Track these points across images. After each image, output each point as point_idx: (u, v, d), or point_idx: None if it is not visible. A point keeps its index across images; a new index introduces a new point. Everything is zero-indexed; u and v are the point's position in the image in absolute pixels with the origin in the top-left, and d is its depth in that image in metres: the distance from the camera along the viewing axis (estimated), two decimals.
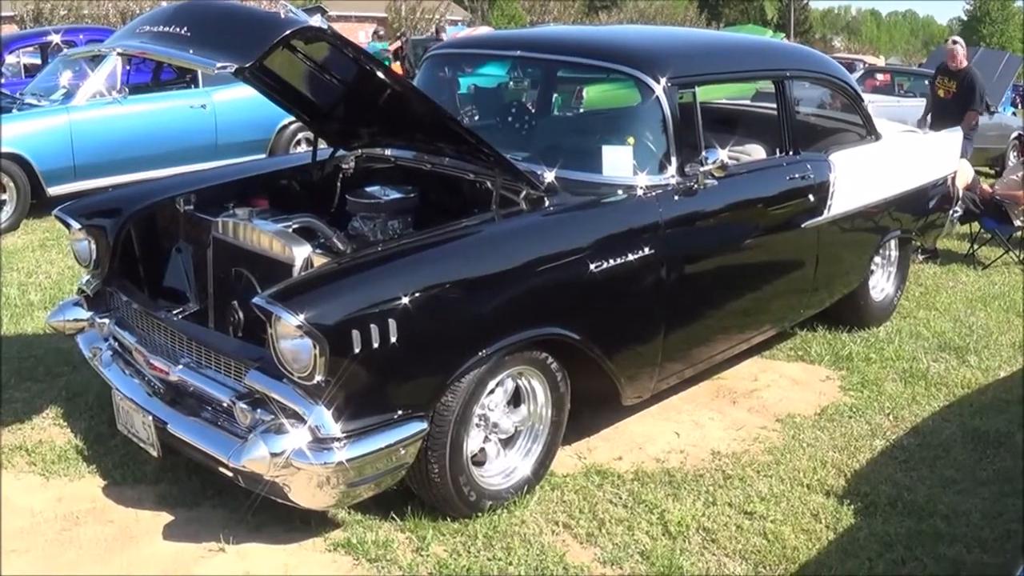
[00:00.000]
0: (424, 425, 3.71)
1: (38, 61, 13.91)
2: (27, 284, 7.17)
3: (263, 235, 4.23)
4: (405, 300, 3.55)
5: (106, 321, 4.60)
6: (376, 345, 3.47)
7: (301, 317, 3.34)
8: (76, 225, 4.67)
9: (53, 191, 9.19)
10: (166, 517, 4.04)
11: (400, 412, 3.64)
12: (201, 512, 4.06)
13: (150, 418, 4.00)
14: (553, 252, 4.13)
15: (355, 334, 3.43)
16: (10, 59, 13.31)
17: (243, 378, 3.73)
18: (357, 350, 3.44)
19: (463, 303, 3.79)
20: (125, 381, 4.33)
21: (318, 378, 3.43)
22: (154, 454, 4.08)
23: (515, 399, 4.21)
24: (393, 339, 3.50)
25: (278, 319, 3.42)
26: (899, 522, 4.16)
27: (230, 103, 10.32)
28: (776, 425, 5.12)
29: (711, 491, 4.38)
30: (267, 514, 3.89)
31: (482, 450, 4.13)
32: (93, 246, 4.65)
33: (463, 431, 3.87)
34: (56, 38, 13.27)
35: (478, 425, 4.05)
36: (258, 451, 3.47)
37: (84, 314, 4.72)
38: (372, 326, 3.46)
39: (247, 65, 3.54)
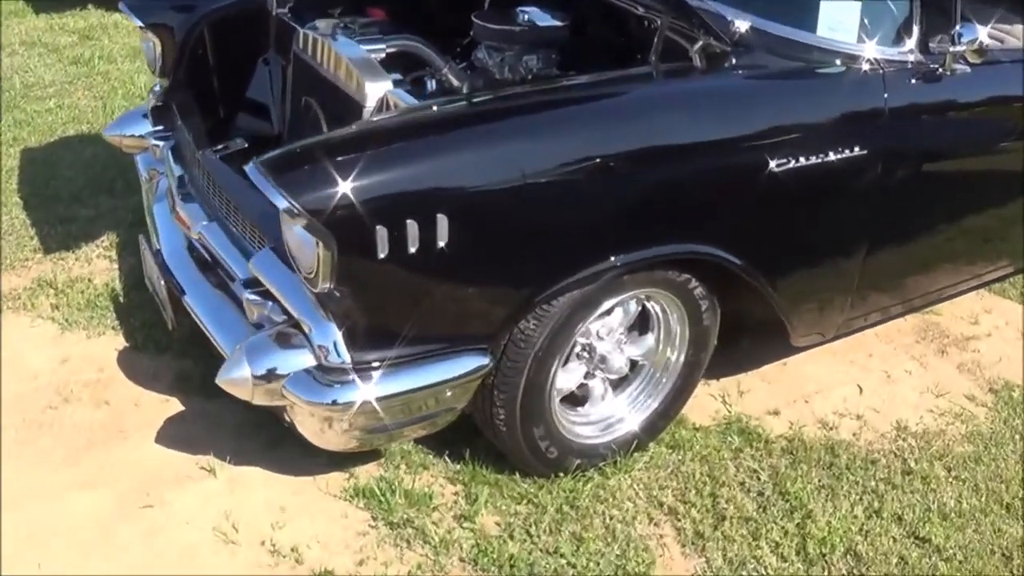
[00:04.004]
0: (484, 360, 2.66)
1: None
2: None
3: (340, 59, 3.19)
4: (468, 187, 2.45)
5: (160, 144, 3.72)
6: (414, 250, 2.38)
7: (296, 202, 2.27)
8: (139, 22, 3.75)
9: None
10: (173, 407, 3.22)
11: (449, 343, 2.60)
12: (217, 406, 3.18)
13: (162, 282, 3.14)
14: (721, 137, 2.88)
15: (381, 231, 2.33)
16: None
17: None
18: (383, 255, 2.36)
19: (563, 197, 2.60)
20: (167, 225, 3.47)
21: (325, 285, 2.41)
22: (168, 324, 3.22)
23: (641, 325, 3.11)
24: (442, 243, 2.41)
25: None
26: None
27: None
28: (987, 397, 3.78)
29: (880, 491, 3.18)
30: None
31: (583, 386, 3.09)
32: (158, 49, 3.75)
33: (548, 368, 2.80)
34: None
35: (579, 356, 2.99)
36: (239, 370, 2.52)
37: (141, 130, 3.87)
38: (409, 221, 2.35)
39: None
